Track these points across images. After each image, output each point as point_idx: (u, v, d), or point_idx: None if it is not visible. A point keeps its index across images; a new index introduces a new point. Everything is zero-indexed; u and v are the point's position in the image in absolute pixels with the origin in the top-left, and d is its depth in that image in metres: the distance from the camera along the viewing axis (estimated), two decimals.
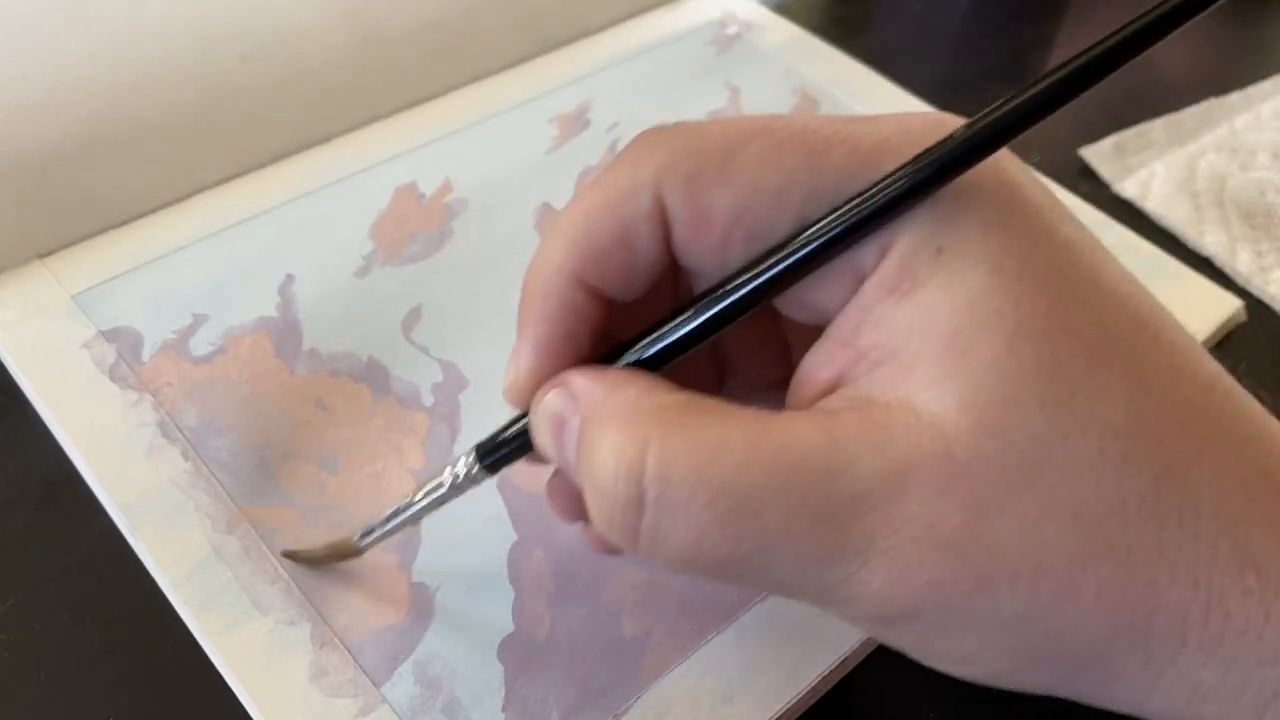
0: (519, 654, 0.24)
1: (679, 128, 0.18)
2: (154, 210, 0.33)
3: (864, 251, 0.16)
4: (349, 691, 0.23)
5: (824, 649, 0.24)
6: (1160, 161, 0.39)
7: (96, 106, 0.32)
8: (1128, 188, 0.38)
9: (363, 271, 0.32)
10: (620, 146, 0.36)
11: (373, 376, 0.29)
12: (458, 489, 0.22)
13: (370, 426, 0.28)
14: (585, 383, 0.17)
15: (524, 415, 0.20)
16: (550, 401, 0.18)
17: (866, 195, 0.16)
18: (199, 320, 0.30)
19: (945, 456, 0.15)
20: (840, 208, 0.16)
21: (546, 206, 0.34)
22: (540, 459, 0.20)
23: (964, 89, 0.42)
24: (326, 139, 0.36)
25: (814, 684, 0.24)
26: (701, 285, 0.18)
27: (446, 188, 0.35)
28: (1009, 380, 0.15)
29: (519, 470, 0.27)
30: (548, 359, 0.19)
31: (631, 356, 0.18)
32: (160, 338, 0.29)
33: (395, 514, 0.23)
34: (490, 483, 0.27)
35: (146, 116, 0.32)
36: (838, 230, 0.16)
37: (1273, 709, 0.15)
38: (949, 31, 0.47)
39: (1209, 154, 0.40)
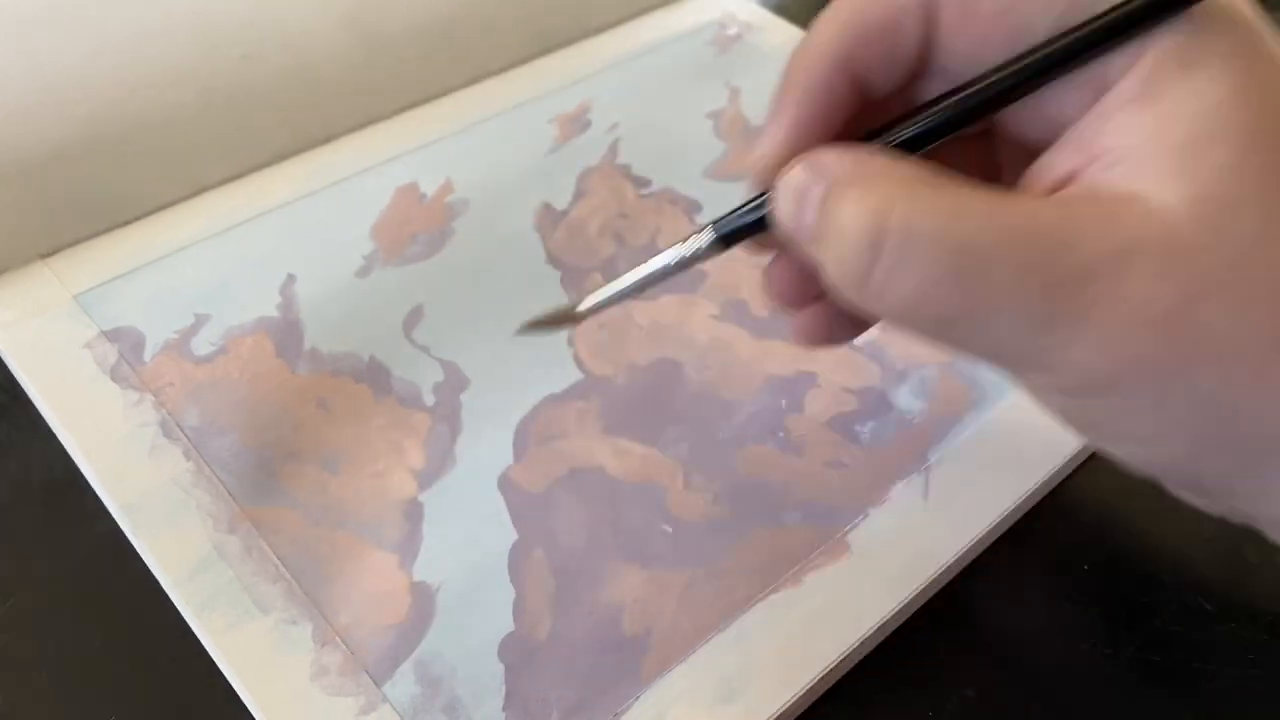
0: (520, 653, 0.24)
1: None
2: (155, 210, 0.33)
3: (1114, 62, 0.17)
4: (350, 690, 0.23)
5: (824, 649, 0.24)
6: None
7: (98, 107, 0.32)
8: None
9: (364, 271, 0.32)
10: (620, 147, 0.37)
11: (374, 376, 0.29)
12: (691, 260, 0.22)
13: (371, 426, 0.28)
14: (833, 157, 0.18)
15: (764, 193, 0.20)
16: (796, 174, 0.19)
17: (1126, 5, 0.17)
18: (200, 320, 0.30)
19: (1167, 243, 0.16)
20: (1101, 15, 0.17)
21: (547, 206, 0.34)
22: (764, 243, 0.21)
23: None
24: (328, 139, 0.36)
25: (813, 683, 0.24)
26: (948, 88, 0.19)
27: (447, 188, 0.35)
28: (1235, 183, 0.16)
29: (520, 470, 0.27)
30: (800, 138, 0.20)
31: (883, 140, 0.19)
32: (162, 338, 0.29)
33: (624, 282, 0.23)
34: (491, 482, 0.27)
35: (148, 117, 0.32)
36: (1097, 35, 0.17)
37: None
38: None
39: None
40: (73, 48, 0.32)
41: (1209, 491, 0.19)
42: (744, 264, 0.33)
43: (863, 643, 0.25)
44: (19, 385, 0.29)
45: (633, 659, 0.24)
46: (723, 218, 0.22)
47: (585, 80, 0.39)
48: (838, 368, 0.30)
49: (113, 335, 0.29)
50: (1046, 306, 0.16)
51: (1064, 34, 0.18)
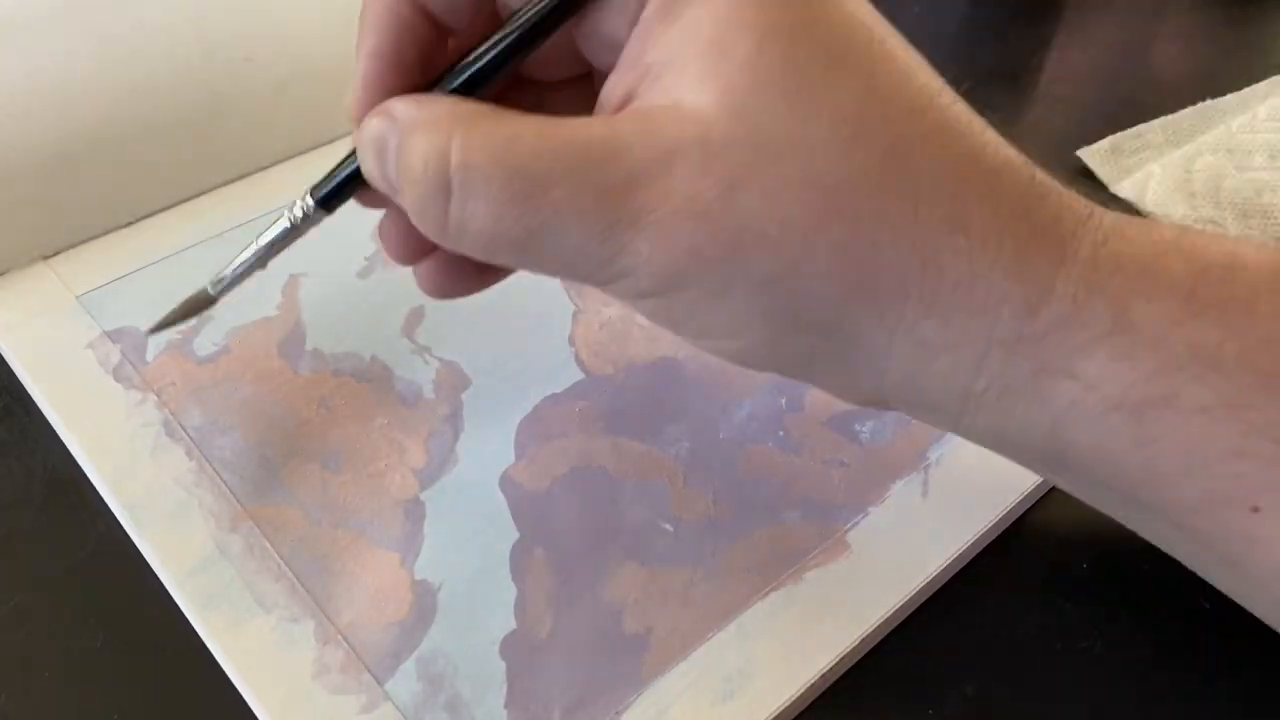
0: (521, 651, 0.24)
1: None
2: (158, 211, 0.33)
3: None
4: (352, 688, 0.23)
5: (824, 648, 0.24)
6: (1157, 162, 0.40)
7: (100, 108, 0.32)
8: (1125, 189, 0.39)
9: (366, 272, 0.32)
10: None
11: (375, 376, 0.29)
12: (297, 230, 0.23)
13: (373, 426, 0.28)
14: (403, 106, 0.19)
15: (354, 152, 0.21)
16: (373, 126, 0.19)
17: None
18: (202, 320, 0.30)
19: (703, 140, 0.17)
20: None
21: None
22: (373, 198, 0.22)
23: (962, 90, 0.42)
24: (330, 140, 0.36)
25: (813, 682, 0.24)
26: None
27: None
28: (758, 75, 0.17)
29: (521, 469, 0.27)
30: (383, 78, 0.20)
31: (447, 84, 0.20)
32: (164, 338, 0.29)
33: (241, 260, 0.24)
34: (492, 482, 0.27)
35: (150, 118, 0.33)
36: None
37: (989, 359, 0.18)
38: (947, 33, 0.47)
39: (1205, 155, 0.40)
40: (76, 50, 0.32)
41: (814, 374, 0.20)
42: None
43: (863, 641, 0.25)
44: (22, 385, 0.29)
45: (633, 657, 0.24)
46: (320, 181, 0.22)
47: None
48: None
49: (115, 335, 0.29)
50: (604, 215, 0.17)
51: None
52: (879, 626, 0.25)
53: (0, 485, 0.27)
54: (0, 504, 0.27)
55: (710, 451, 0.28)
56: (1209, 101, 0.43)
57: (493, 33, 0.19)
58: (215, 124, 0.34)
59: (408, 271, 0.32)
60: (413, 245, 0.22)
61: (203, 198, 0.34)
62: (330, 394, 0.29)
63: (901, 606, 0.25)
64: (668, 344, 0.31)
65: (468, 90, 0.20)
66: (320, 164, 0.35)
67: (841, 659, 0.24)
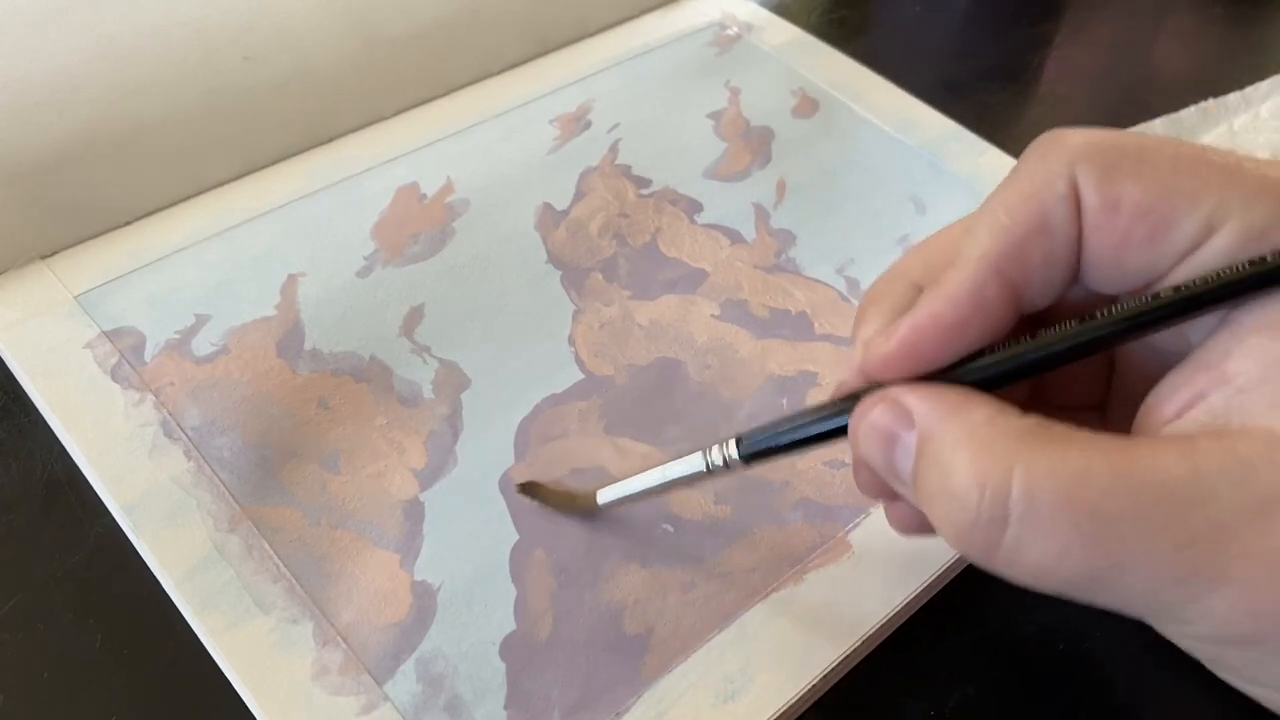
0: (521, 652, 0.24)
1: (1086, 128, 0.19)
2: (156, 211, 0.33)
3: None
4: (351, 689, 0.23)
5: (825, 648, 0.24)
6: None
7: (99, 108, 0.32)
8: None
9: (365, 271, 0.32)
10: (621, 147, 0.37)
11: (375, 376, 0.29)
12: (710, 475, 0.22)
13: (372, 426, 0.28)
14: (919, 401, 0.18)
15: (798, 417, 0.21)
16: (878, 417, 0.18)
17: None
18: (201, 320, 0.30)
19: None
20: (1244, 263, 0.17)
21: (547, 206, 0.34)
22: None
23: (963, 90, 0.42)
24: (328, 139, 0.36)
25: (814, 682, 0.24)
26: (1043, 303, 0.19)
27: (448, 188, 0.35)
28: None
29: (521, 470, 0.27)
30: (933, 340, 0.19)
31: (969, 374, 0.18)
32: (163, 338, 0.29)
33: (640, 485, 0.24)
34: (492, 482, 0.27)
35: (149, 117, 0.33)
36: (1247, 280, 0.17)
37: None
38: (948, 32, 0.47)
39: None
40: (75, 48, 0.32)
41: None
42: (744, 264, 0.33)
43: (864, 641, 0.25)
44: (20, 385, 0.29)
45: (634, 658, 0.24)
46: (752, 434, 0.21)
47: (585, 80, 0.39)
48: (838, 367, 0.30)
49: (113, 335, 0.29)
50: (1182, 565, 0.16)
51: (1206, 279, 0.17)
52: (880, 627, 0.25)
53: None
54: None
55: None
56: (1211, 100, 0.43)
57: (1044, 324, 0.18)
58: (214, 123, 0.34)
59: (408, 271, 0.32)
60: (887, 490, 0.21)
61: (202, 197, 0.34)
62: (329, 394, 0.29)
63: (903, 607, 0.25)
64: (668, 344, 0.31)
65: (989, 384, 0.18)
66: (321, 163, 0.35)
67: (842, 660, 0.24)
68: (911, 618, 0.26)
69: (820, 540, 0.26)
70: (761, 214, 0.35)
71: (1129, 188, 0.18)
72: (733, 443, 0.22)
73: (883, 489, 0.21)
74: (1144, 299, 0.18)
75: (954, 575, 0.27)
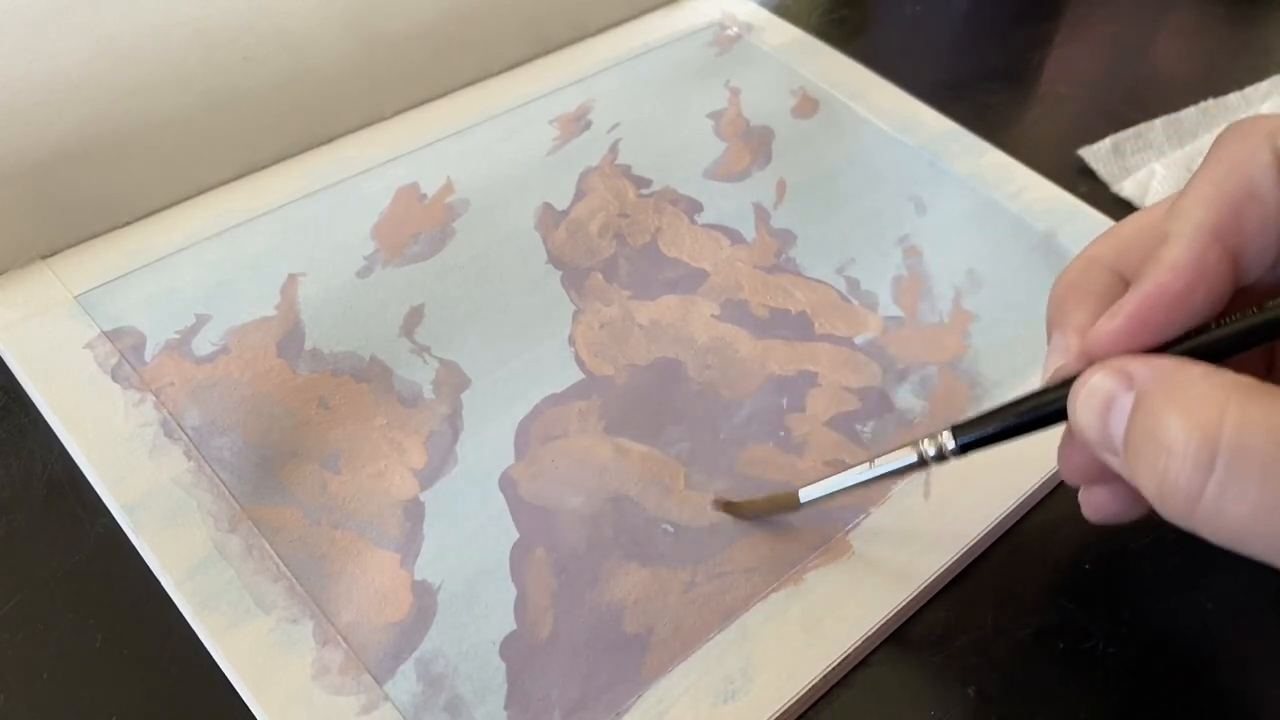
0: (521, 652, 0.24)
1: (1276, 114, 0.19)
2: (156, 211, 0.33)
3: None
4: (351, 689, 0.23)
5: (825, 648, 0.24)
6: (1159, 162, 0.40)
7: (99, 108, 0.32)
8: (1127, 188, 0.39)
9: (365, 271, 0.32)
10: (621, 147, 0.37)
11: (375, 376, 0.29)
12: (923, 466, 0.22)
13: (372, 426, 0.28)
14: (1140, 365, 0.18)
15: (1015, 403, 0.21)
16: (1100, 381, 0.18)
17: None
18: (201, 320, 0.30)
19: None
20: None
21: (547, 207, 0.34)
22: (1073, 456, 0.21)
23: (963, 89, 0.42)
24: (328, 140, 0.36)
25: (814, 683, 0.24)
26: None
27: (448, 188, 0.35)
28: None
29: (521, 469, 0.27)
30: (1158, 314, 0.19)
31: (1188, 346, 0.19)
32: (163, 338, 0.29)
33: (847, 478, 0.24)
34: (492, 482, 0.27)
35: (149, 117, 0.33)
36: None
37: None
38: (947, 32, 0.47)
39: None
40: (74, 48, 0.32)
41: None
42: (744, 264, 0.33)
43: (864, 641, 0.25)
44: (20, 385, 0.29)
45: (634, 658, 0.24)
46: (969, 423, 0.21)
47: (585, 80, 0.39)
48: (839, 367, 0.30)
49: (113, 335, 0.29)
50: None
51: None
52: (880, 627, 0.25)
53: None
54: None
55: (711, 451, 0.28)
56: (1211, 100, 0.43)
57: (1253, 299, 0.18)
58: (214, 123, 0.34)
59: (408, 271, 0.32)
60: (1095, 473, 0.21)
61: (202, 197, 0.34)
62: (329, 394, 0.29)
63: (903, 607, 0.25)
64: (668, 344, 0.31)
65: (1212, 357, 0.18)
66: (321, 164, 0.35)
67: (842, 660, 0.24)
68: (911, 618, 0.26)
69: (820, 540, 0.26)
70: (761, 214, 0.35)
71: None
72: (948, 433, 0.22)
73: (1088, 470, 0.21)
74: None
75: (954, 576, 0.27)
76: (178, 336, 0.30)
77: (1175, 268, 0.19)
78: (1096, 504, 0.22)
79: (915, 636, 0.26)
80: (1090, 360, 0.19)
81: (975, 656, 0.25)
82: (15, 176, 0.30)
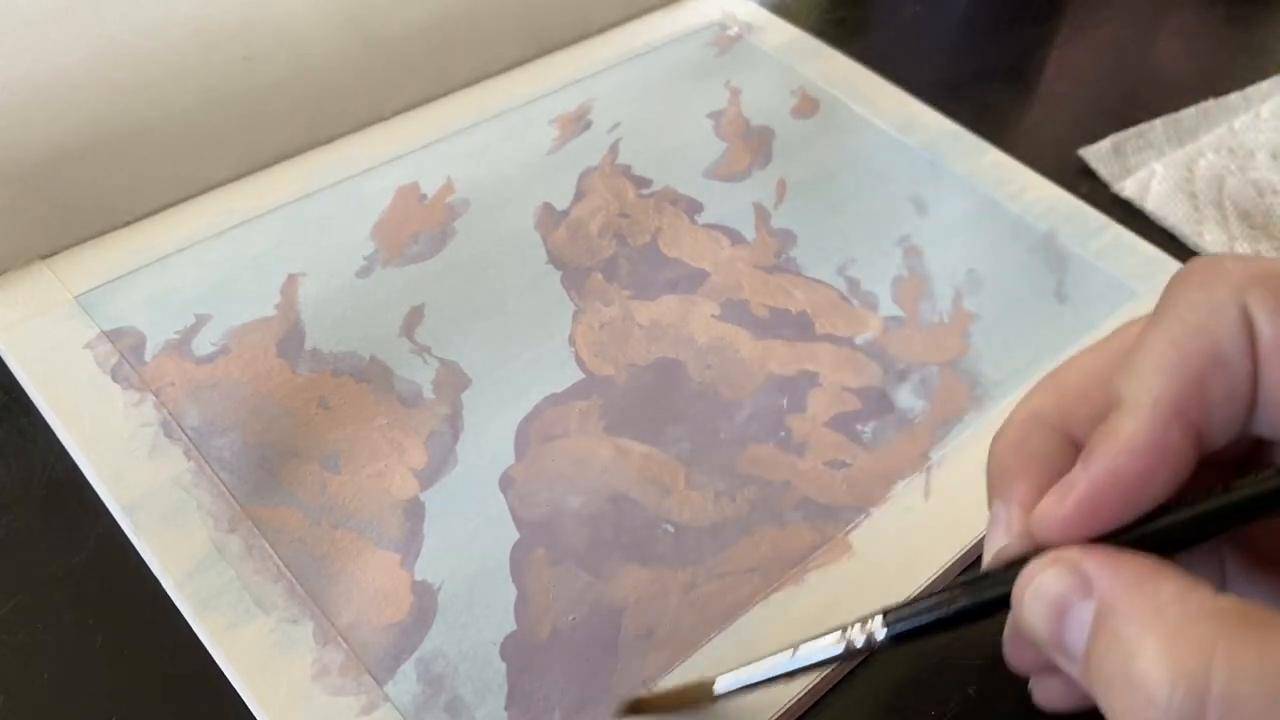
0: (521, 652, 0.24)
1: (1242, 256, 0.17)
2: (156, 211, 0.33)
3: None
4: (352, 690, 0.23)
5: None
6: (1159, 162, 0.40)
7: (99, 108, 0.32)
8: (1127, 188, 0.39)
9: (365, 271, 0.32)
10: (621, 147, 0.37)
11: (375, 376, 0.29)
12: (851, 658, 0.20)
13: (372, 426, 0.28)
14: (1098, 567, 0.16)
15: (953, 591, 0.19)
16: (1050, 582, 0.16)
17: None
18: (201, 320, 0.30)
19: None
20: None
21: (547, 206, 0.34)
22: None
23: (962, 90, 0.42)
24: (328, 140, 0.36)
25: (815, 682, 0.24)
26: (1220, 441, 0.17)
27: (448, 188, 0.35)
28: None
29: (522, 469, 0.27)
30: (1101, 502, 0.17)
31: (1148, 530, 0.17)
32: (163, 338, 0.29)
33: (767, 669, 0.21)
34: (492, 482, 0.27)
35: (148, 117, 0.32)
36: None
37: None
38: (947, 33, 0.47)
39: (1208, 154, 0.40)
40: (74, 48, 0.31)
41: None
42: (744, 264, 0.33)
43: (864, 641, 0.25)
44: (20, 386, 0.29)
45: (635, 658, 0.24)
46: (900, 608, 0.19)
47: (586, 80, 0.39)
48: (839, 367, 0.30)
49: (113, 335, 0.29)
50: None
51: None
52: None
53: None
54: None
55: (711, 452, 0.28)
56: (1211, 100, 0.43)
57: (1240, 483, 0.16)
58: (214, 123, 0.34)
59: (408, 271, 0.32)
60: (1044, 663, 0.18)
61: (202, 197, 0.34)
62: (330, 394, 0.29)
63: None
64: (668, 344, 0.31)
65: (1174, 546, 0.16)
66: (321, 163, 0.35)
67: (843, 660, 0.24)
68: None
69: (820, 540, 0.26)
70: (762, 214, 0.35)
71: None
72: (879, 619, 0.19)
73: (1039, 662, 0.19)
74: None
75: (953, 576, 0.27)
76: (178, 336, 0.29)
77: (1132, 449, 0.16)
78: (1050, 695, 0.20)
79: (915, 636, 0.26)
80: (1036, 544, 0.18)
81: (975, 656, 0.25)
82: (15, 176, 0.30)
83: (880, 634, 0.19)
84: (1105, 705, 0.16)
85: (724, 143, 0.37)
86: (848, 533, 0.27)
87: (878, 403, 0.30)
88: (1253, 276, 0.17)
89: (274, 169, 0.35)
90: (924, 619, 0.19)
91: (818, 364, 0.31)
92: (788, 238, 0.34)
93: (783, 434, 0.29)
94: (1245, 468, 0.17)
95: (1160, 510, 0.17)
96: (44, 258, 0.31)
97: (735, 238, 0.34)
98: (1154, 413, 0.16)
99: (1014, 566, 0.17)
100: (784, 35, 0.42)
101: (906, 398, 0.30)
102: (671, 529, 0.26)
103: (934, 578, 0.26)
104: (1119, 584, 0.16)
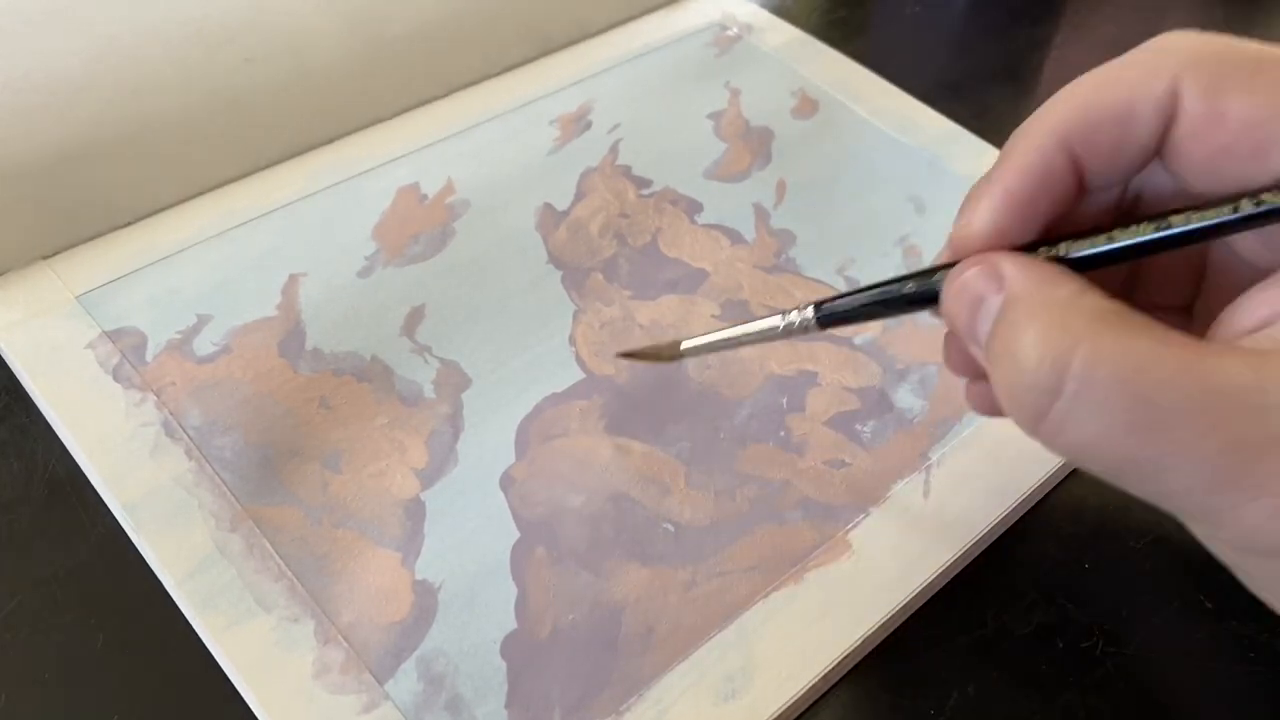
0: (522, 651, 0.24)
1: (1208, 34, 0.19)
2: (157, 211, 0.33)
3: None
4: (352, 688, 0.23)
5: (825, 648, 0.24)
6: None
7: (100, 108, 0.32)
8: None
9: (366, 271, 0.32)
10: (621, 147, 0.37)
11: (376, 376, 0.29)
12: (787, 333, 0.23)
13: (373, 425, 0.28)
14: (1014, 269, 0.18)
15: (874, 286, 0.21)
16: (971, 278, 0.18)
17: None
18: (202, 320, 0.30)
19: None
20: None
21: (548, 207, 0.34)
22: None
23: (961, 90, 0.42)
24: (329, 140, 0.36)
25: (815, 681, 0.24)
26: (1159, 199, 0.19)
27: (449, 188, 0.35)
28: None
29: (522, 468, 0.27)
30: (1010, 215, 0.19)
31: (1060, 251, 0.19)
32: (164, 338, 0.29)
33: (719, 337, 0.24)
34: (493, 481, 0.27)
35: (150, 118, 0.33)
36: None
37: None
38: (946, 33, 0.47)
39: None
40: (76, 49, 0.32)
41: None
42: (744, 264, 0.33)
43: (864, 641, 0.25)
44: (21, 385, 0.29)
45: (635, 657, 0.24)
46: (829, 300, 0.22)
47: (586, 81, 0.39)
48: (839, 367, 0.30)
49: (115, 335, 0.29)
50: (1222, 472, 0.16)
51: None
52: (880, 626, 0.25)
53: (0, 485, 0.27)
54: (0, 504, 0.27)
55: (711, 451, 0.28)
56: None
57: (1139, 215, 0.18)
58: (215, 124, 0.34)
59: (408, 271, 0.32)
60: (974, 367, 0.21)
61: (203, 197, 0.34)
62: (330, 393, 0.29)
63: (903, 606, 0.25)
64: None
65: (1079, 265, 0.18)
66: (321, 164, 0.35)
67: (843, 659, 0.24)
68: (911, 617, 0.26)
69: (820, 539, 0.26)
70: (761, 214, 0.35)
71: (1237, 101, 0.18)
72: (810, 308, 0.22)
73: (968, 365, 0.22)
74: (1249, 200, 0.17)
75: (954, 576, 0.27)
76: (179, 336, 0.30)
77: (1019, 170, 0.19)
78: (978, 398, 0.22)
79: (915, 636, 0.26)
80: (965, 253, 0.20)
81: (975, 656, 0.25)
82: (16, 176, 0.30)
83: (810, 317, 0.22)
84: (992, 378, 0.18)
85: (724, 143, 0.37)
86: (847, 532, 0.27)
87: (877, 402, 0.30)
88: (1196, 54, 0.18)
89: (275, 169, 0.35)
90: (850, 304, 0.22)
91: (817, 364, 0.31)
92: (787, 238, 0.34)
93: (782, 433, 0.29)
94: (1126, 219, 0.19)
95: (1089, 231, 0.19)
96: (45, 258, 0.31)
97: (735, 238, 0.34)
98: (1044, 142, 0.19)
99: (945, 266, 0.20)
100: (784, 36, 0.42)
101: (906, 397, 0.30)
102: (671, 528, 0.26)
103: (933, 577, 0.26)
104: (1025, 281, 0.18)
